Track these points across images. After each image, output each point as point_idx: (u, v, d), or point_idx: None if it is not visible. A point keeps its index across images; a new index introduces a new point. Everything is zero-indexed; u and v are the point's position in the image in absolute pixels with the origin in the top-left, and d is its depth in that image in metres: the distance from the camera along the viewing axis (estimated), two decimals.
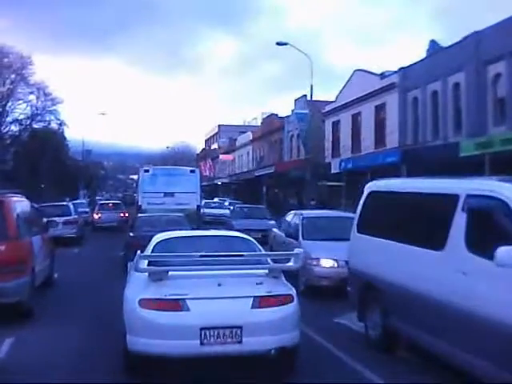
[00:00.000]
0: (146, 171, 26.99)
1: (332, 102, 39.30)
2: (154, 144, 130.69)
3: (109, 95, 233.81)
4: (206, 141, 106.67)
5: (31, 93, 55.72)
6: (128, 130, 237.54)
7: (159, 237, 8.02)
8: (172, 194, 25.56)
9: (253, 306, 6.27)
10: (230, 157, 70.25)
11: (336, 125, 38.41)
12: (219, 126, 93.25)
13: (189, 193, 25.91)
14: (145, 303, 6.24)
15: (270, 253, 9.66)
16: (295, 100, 46.79)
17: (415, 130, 28.65)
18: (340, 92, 38.10)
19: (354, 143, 34.99)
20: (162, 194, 25.54)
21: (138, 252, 6.85)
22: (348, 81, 36.94)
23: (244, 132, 71.14)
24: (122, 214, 32.18)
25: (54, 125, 59.05)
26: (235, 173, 64.23)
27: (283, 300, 6.44)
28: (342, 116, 37.23)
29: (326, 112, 39.10)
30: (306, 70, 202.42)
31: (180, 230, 12.56)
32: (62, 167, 61.24)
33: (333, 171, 33.52)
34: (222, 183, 65.66)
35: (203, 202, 35.67)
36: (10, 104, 56.04)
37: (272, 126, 52.09)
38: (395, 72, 30.42)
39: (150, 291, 6.36)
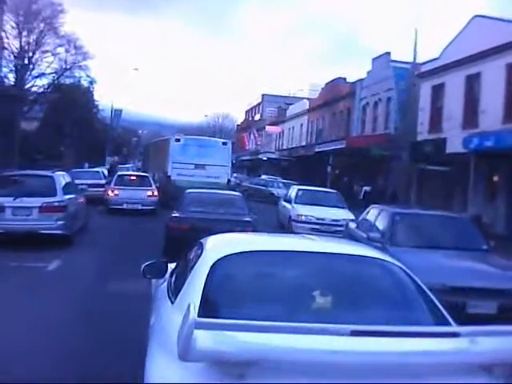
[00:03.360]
0: (177, 140, 26.19)
1: (428, 61, 29.65)
2: (191, 114, 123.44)
3: (146, 61, 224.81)
4: (247, 111, 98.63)
5: (60, 45, 49.37)
6: (165, 98, 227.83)
7: (218, 249, 4.20)
8: (203, 167, 25.07)
9: None
10: (278, 129, 60.99)
11: (438, 90, 28.86)
12: (263, 95, 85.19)
13: (220, 166, 25.34)
14: None
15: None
16: (373, 60, 37.36)
17: None
18: (447, 46, 28.47)
19: (468, 115, 25.48)
20: (193, 166, 25.05)
21: (191, 304, 2.92)
22: (461, 31, 27.32)
23: (289, 103, 62.11)
24: (149, 193, 22.29)
25: (84, 82, 53.61)
26: (287, 147, 54.88)
27: None
28: (449, 78, 27.57)
29: (424, 73, 29.45)
30: (350, 46, 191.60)
31: (237, 213, 12.60)
32: (88, 129, 54.01)
33: (449, 151, 24.06)
34: (269, 159, 56.10)
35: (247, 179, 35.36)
36: (36, 56, 49.43)
37: (338, 92, 42.62)
38: None
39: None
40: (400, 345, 2.96)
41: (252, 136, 67.60)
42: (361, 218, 12.83)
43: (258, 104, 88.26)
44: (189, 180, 24.01)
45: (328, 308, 3.59)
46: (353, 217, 16.59)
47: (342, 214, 17.48)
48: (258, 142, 66.09)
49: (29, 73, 49.36)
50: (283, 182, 38.76)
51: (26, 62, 48.82)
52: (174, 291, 4.14)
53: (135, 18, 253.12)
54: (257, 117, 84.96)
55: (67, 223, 13.09)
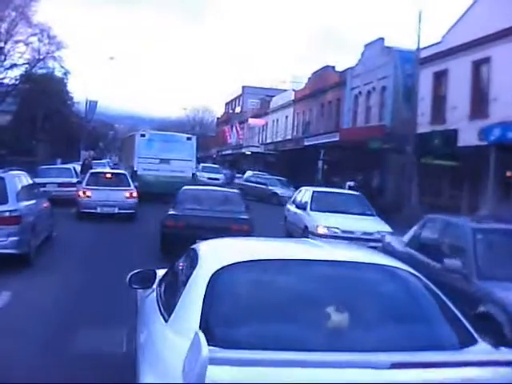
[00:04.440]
0: (143, 136, 26.85)
1: (429, 46, 27.31)
2: (169, 108, 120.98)
3: (123, 53, 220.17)
4: (226, 104, 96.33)
5: (33, 35, 47.45)
6: (142, 92, 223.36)
7: (215, 258, 3.87)
8: (168, 161, 25.71)
9: None
10: (261, 121, 58.43)
11: (440, 77, 26.60)
12: (243, 87, 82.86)
13: (185, 160, 26.10)
14: None
15: None
16: (365, 46, 35.02)
17: None
18: (450, 29, 26.21)
19: (476, 104, 23.27)
20: (158, 161, 25.69)
21: (198, 332, 2.68)
22: (466, 12, 25.07)
23: (271, 96, 59.59)
24: (127, 194, 19.31)
25: (57, 73, 51.25)
26: (272, 141, 52.32)
27: None
28: (453, 64, 25.33)
29: (424, 58, 27.10)
30: (333, 36, 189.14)
31: (234, 210, 12.63)
32: (63, 122, 51.39)
33: (462, 144, 21.74)
34: (253, 153, 53.30)
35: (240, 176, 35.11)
36: (8, 46, 47.55)
37: (326, 81, 40.20)
38: None
39: None
40: (444, 375, 2.85)
41: (234, 129, 65.02)
42: (411, 232, 9.73)
43: (239, 96, 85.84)
44: (154, 174, 25.34)
45: (344, 327, 3.25)
46: (389, 228, 13.79)
47: (375, 225, 14.29)
48: (241, 136, 63.52)
49: (0, 64, 47.37)
50: (279, 179, 36.28)
51: None
52: (167, 306, 3.76)
53: (112, 9, 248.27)
54: (237, 109, 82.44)
55: (23, 239, 10.12)
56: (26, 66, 48.40)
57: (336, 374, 2.71)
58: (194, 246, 4.35)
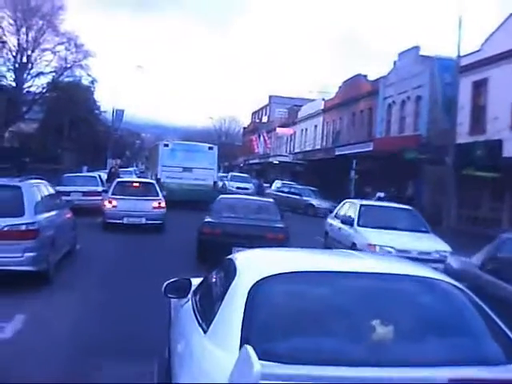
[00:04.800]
0: (166, 145, 28.24)
1: (468, 55, 26.12)
2: (195, 117, 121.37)
3: (150, 62, 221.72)
4: (253, 114, 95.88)
5: (60, 43, 47.71)
6: (169, 101, 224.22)
7: (255, 269, 3.79)
8: (190, 170, 26.76)
9: None
10: (290, 130, 57.53)
11: (480, 86, 25.43)
12: (270, 96, 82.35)
13: (206, 169, 27.19)
14: None
15: None
16: (399, 54, 33.99)
17: None
18: (490, 36, 25.08)
19: None
20: (181, 169, 26.68)
21: (247, 347, 2.64)
22: (507, 19, 23.94)
23: (298, 105, 58.62)
24: (155, 204, 18.25)
25: (84, 82, 51.20)
26: (300, 150, 51.33)
27: None
28: (494, 72, 24.22)
29: (463, 67, 25.93)
30: (358, 50, 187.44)
31: (269, 219, 12.97)
32: (89, 130, 51.16)
33: (506, 154, 20.55)
34: (281, 162, 52.29)
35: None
36: (35, 54, 47.75)
37: (357, 90, 39.22)
38: None
39: None
40: None
41: (262, 138, 64.20)
42: (484, 252, 8.41)
43: (265, 106, 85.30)
44: (177, 182, 26.26)
45: (389, 340, 3.16)
46: (448, 247, 12.38)
47: (432, 243, 12.69)
48: (268, 145, 62.67)
49: (27, 72, 47.55)
50: (311, 190, 35.03)
51: (25, 60, 47.14)
52: (204, 317, 3.70)
53: (139, 18, 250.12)
54: (264, 119, 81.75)
55: (41, 254, 9.13)
56: (53, 74, 48.39)
57: None
58: (230, 256, 4.27)
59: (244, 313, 3.22)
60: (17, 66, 46.44)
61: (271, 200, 15.49)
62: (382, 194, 33.27)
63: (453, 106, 21.32)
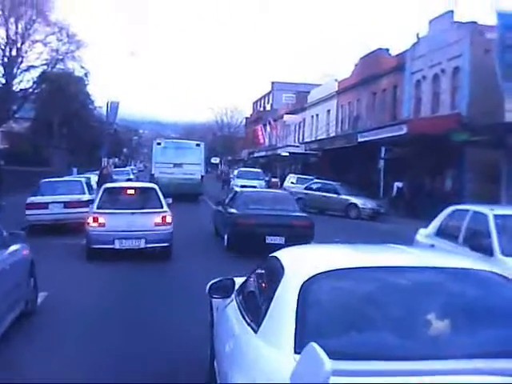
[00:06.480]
0: (159, 144, 31.41)
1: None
2: (195, 110, 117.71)
3: (144, 50, 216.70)
4: (254, 103, 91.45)
5: (51, 34, 44.61)
6: (165, 95, 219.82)
7: (303, 267, 3.74)
8: (180, 165, 29.58)
9: None
10: (298, 118, 53.06)
11: None
12: (272, 83, 78.13)
13: (194, 164, 30.12)
14: None
15: None
16: (430, 22, 29.53)
17: None
18: None
19: None
20: (172, 165, 29.52)
21: (314, 344, 2.62)
22: None
23: (305, 92, 54.04)
24: (158, 219, 12.98)
25: (78, 74, 48.04)
26: (311, 139, 46.84)
27: None
28: None
29: None
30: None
31: (291, 209, 14.36)
32: (82, 127, 47.33)
33: None
34: (291, 153, 47.54)
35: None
36: (25, 46, 44.33)
37: (379, 66, 34.64)
38: None
39: None
40: None
41: (268, 127, 59.64)
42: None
43: (268, 93, 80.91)
44: (169, 177, 28.39)
45: (446, 334, 3.19)
46: None
47: None
48: (278, 133, 58.04)
49: (17, 66, 43.84)
50: (344, 186, 29.20)
51: (15, 53, 43.44)
52: (253, 317, 3.72)
53: (133, 4, 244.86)
54: (267, 107, 77.39)
55: None
56: (44, 67, 45.11)
57: (465, 380, 2.75)
58: (274, 254, 4.25)
59: (296, 311, 3.23)
60: (6, 60, 43.08)
61: (285, 192, 16.36)
62: (400, 184, 28.98)
63: None
